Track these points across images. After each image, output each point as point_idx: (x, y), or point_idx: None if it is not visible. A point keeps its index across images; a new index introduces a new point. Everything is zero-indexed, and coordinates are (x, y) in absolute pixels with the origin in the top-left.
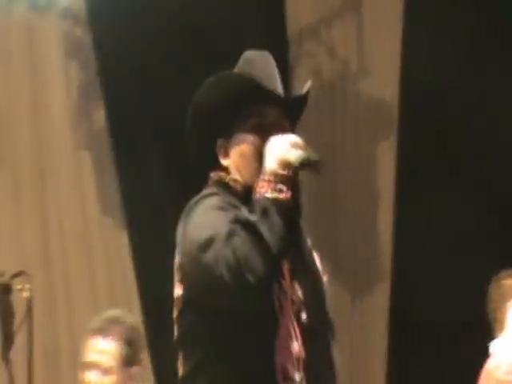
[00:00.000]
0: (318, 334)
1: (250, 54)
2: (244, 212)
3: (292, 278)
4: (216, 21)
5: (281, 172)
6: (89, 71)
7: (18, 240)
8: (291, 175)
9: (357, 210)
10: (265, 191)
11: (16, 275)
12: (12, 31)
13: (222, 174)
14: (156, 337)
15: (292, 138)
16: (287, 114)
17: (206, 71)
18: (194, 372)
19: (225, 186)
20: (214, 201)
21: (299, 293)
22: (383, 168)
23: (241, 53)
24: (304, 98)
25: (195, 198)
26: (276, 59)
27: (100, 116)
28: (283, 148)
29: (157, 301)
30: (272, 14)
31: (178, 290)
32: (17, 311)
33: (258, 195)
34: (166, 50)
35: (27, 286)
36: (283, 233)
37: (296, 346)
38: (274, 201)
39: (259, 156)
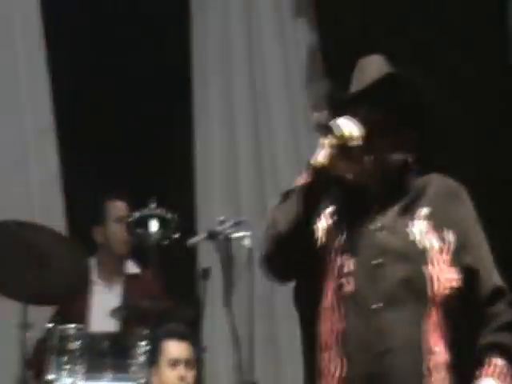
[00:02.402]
0: (369, 304)
1: (360, 61)
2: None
3: (342, 253)
4: None
5: (315, 160)
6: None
7: (234, 189)
8: (331, 160)
9: None
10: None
11: (237, 223)
12: None
13: None
14: None
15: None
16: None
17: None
18: None
19: None
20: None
21: (347, 265)
22: None
23: None
24: (394, 86)
25: None
26: None
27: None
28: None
29: None
30: None
31: None
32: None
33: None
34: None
35: (248, 234)
36: (296, 214)
37: (336, 319)
38: (298, 186)
39: None
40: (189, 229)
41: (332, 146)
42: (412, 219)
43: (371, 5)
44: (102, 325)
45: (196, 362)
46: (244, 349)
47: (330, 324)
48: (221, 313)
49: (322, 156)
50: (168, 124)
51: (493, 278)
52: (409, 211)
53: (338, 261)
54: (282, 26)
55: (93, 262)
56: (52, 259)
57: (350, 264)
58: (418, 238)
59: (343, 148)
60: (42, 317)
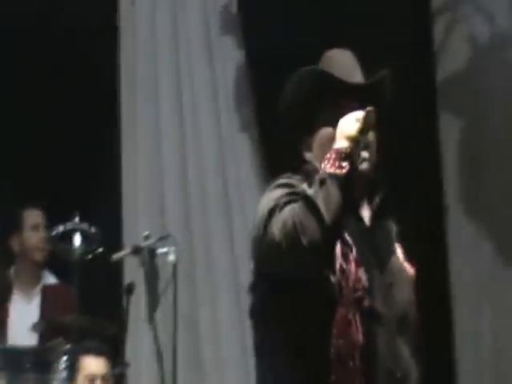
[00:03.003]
0: (385, 323)
1: (329, 52)
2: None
3: (358, 265)
4: None
5: (342, 148)
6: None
7: (159, 203)
8: (352, 151)
9: (502, 180)
10: (325, 167)
11: (162, 238)
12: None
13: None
14: None
15: (357, 113)
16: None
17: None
18: (262, 348)
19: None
20: (283, 180)
21: (364, 279)
22: None
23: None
24: (381, 86)
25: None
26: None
27: (241, 76)
28: (347, 124)
29: None
30: None
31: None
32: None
33: (320, 171)
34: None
35: (173, 248)
36: (338, 204)
37: (353, 333)
38: (332, 175)
39: None
40: (116, 243)
41: (353, 140)
42: (394, 240)
43: (299, 20)
44: (21, 336)
45: (116, 378)
46: (167, 364)
47: (345, 336)
48: (145, 328)
49: (343, 144)
50: (94, 138)
51: None
52: (388, 230)
53: (355, 273)
54: (210, 41)
55: (11, 272)
56: None
57: (365, 278)
58: (404, 262)
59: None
60: None
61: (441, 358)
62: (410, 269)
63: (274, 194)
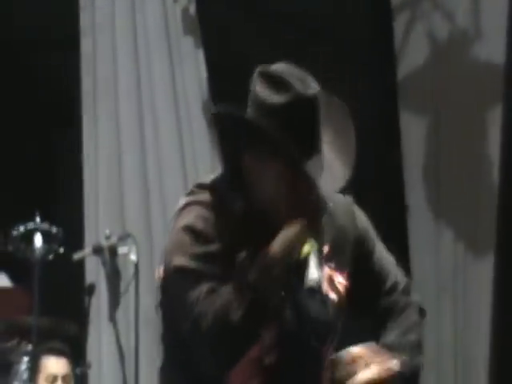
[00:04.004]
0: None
1: (278, 70)
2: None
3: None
4: None
5: (275, 270)
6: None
7: (119, 203)
8: (285, 274)
9: (462, 178)
10: (252, 283)
11: (123, 238)
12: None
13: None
14: None
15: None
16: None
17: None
18: (173, 349)
19: (227, 197)
20: (195, 212)
21: (276, 344)
22: (490, 136)
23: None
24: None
25: (184, 202)
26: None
27: (201, 77)
28: (295, 238)
29: None
30: None
31: (159, 273)
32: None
33: (248, 278)
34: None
35: (134, 248)
36: (259, 325)
37: None
38: (253, 304)
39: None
40: (78, 243)
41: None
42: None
43: (258, 21)
44: None
45: (78, 378)
46: (129, 364)
47: None
48: (106, 328)
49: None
50: (55, 137)
51: None
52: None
53: (269, 338)
54: (169, 42)
55: None
56: None
57: (278, 342)
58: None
59: None
60: None
61: None
62: (336, 294)
63: (185, 248)
